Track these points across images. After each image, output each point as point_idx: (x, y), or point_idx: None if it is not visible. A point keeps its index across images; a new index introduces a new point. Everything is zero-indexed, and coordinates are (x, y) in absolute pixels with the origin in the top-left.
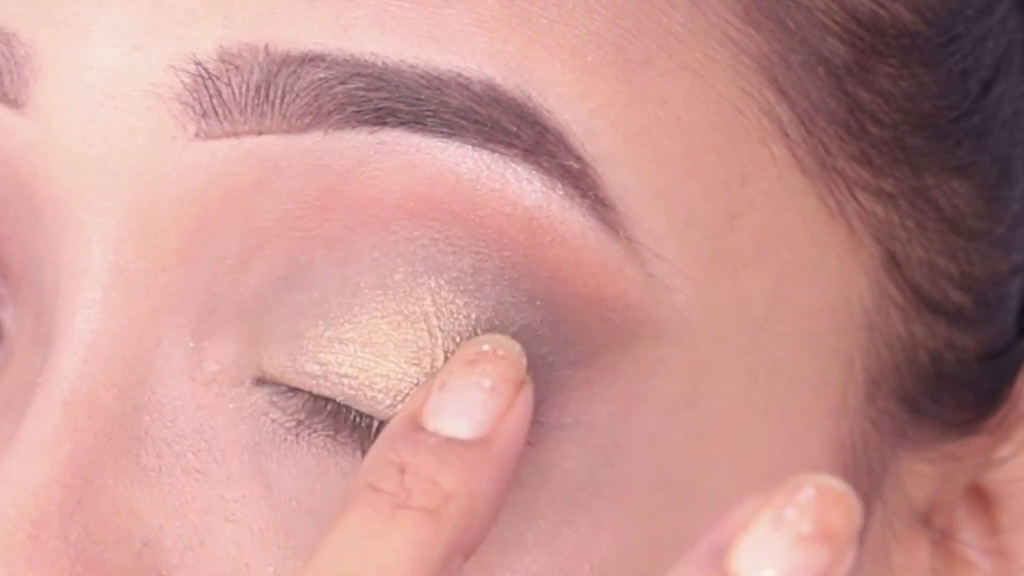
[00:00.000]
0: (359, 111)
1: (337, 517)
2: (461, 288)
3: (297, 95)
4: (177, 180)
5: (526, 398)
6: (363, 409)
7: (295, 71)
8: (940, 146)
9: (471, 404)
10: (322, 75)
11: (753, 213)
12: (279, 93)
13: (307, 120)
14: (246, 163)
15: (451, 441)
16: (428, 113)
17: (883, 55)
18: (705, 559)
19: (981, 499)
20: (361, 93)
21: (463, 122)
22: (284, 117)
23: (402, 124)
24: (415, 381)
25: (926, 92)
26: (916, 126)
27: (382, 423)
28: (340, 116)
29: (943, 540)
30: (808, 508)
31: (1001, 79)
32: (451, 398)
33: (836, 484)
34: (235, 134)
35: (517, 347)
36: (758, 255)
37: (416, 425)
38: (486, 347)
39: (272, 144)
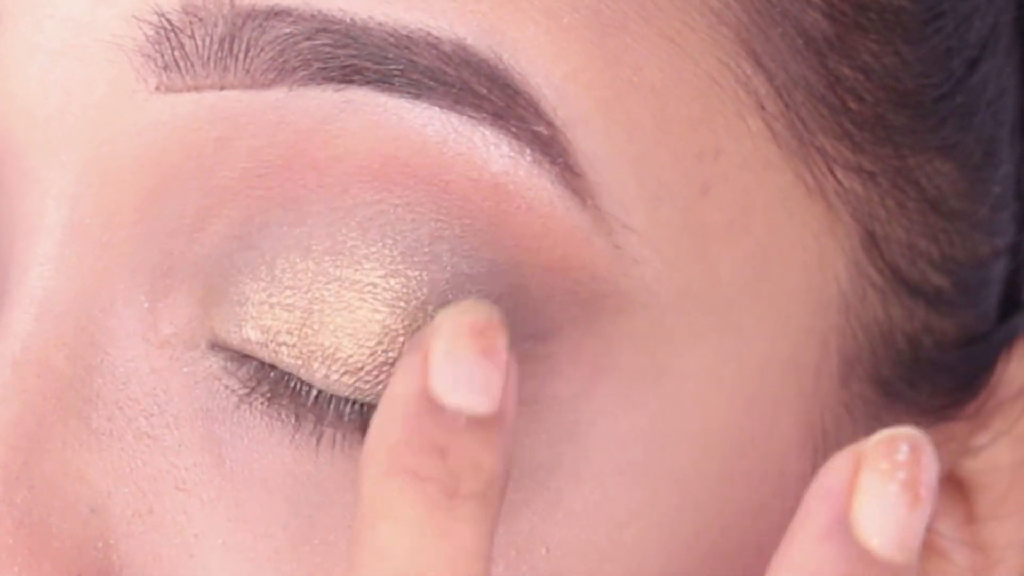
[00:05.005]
0: (325, 68)
1: (378, 508)
2: (415, 259)
3: (261, 49)
4: (136, 135)
5: (516, 366)
6: (303, 377)
7: (260, 25)
8: (923, 125)
9: (487, 379)
10: (288, 30)
11: (726, 186)
12: (243, 47)
13: (271, 76)
14: (207, 118)
15: (480, 420)
16: (395, 72)
17: (866, 30)
18: (832, 534)
19: (957, 488)
20: (328, 50)
21: (431, 83)
22: (248, 72)
23: (369, 83)
24: (350, 354)
25: (909, 69)
26: (898, 103)
27: (320, 393)
28: (305, 73)
29: None
30: (912, 466)
31: (987, 59)
32: (467, 372)
33: (921, 436)
34: (197, 88)
35: (500, 311)
36: (730, 230)
37: (435, 403)
38: (485, 314)
39: (235, 99)
